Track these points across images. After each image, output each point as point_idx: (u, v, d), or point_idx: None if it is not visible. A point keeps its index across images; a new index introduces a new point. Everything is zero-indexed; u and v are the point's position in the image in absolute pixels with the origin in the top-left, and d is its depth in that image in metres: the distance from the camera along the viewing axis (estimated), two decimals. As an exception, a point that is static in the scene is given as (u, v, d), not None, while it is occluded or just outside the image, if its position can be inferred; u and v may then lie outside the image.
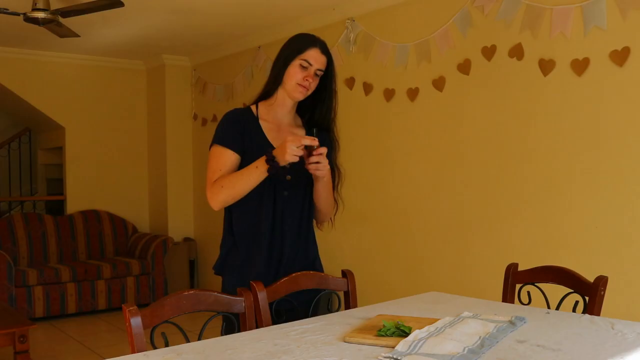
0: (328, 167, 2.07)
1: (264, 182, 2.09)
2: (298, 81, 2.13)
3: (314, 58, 2.14)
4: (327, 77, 2.20)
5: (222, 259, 2.23)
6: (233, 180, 2.08)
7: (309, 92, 2.18)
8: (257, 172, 2.05)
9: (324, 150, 2.02)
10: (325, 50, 2.17)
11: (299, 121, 2.30)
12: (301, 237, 2.22)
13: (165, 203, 6.86)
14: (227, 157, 2.13)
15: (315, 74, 2.15)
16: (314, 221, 2.33)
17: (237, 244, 2.19)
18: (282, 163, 2.01)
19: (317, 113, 2.25)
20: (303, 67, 2.13)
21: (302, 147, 1.98)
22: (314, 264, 2.28)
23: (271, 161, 2.01)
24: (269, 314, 1.93)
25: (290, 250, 2.19)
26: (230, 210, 2.21)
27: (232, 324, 1.86)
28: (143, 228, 7.09)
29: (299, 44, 2.16)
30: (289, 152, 1.97)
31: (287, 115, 2.24)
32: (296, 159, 1.99)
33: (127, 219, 6.87)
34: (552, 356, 1.46)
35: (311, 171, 2.05)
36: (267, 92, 2.23)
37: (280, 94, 2.20)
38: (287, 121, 2.25)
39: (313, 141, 1.98)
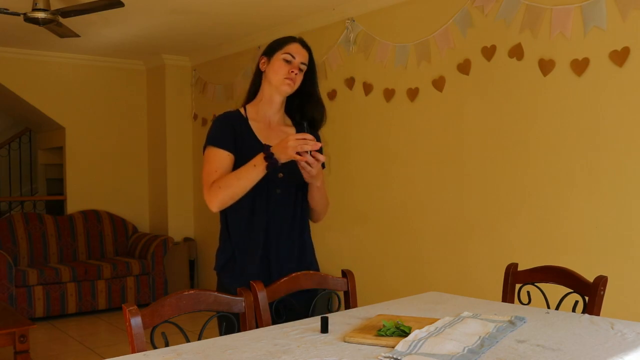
0: (320, 166, 2.06)
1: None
2: (284, 75, 2.16)
3: (296, 51, 2.18)
4: (310, 72, 2.24)
5: (222, 259, 2.24)
6: (231, 180, 2.08)
7: (296, 86, 2.20)
8: (255, 170, 2.04)
9: (319, 149, 2.02)
10: (305, 45, 2.23)
11: (289, 121, 2.31)
12: (295, 237, 2.22)
13: (165, 203, 6.86)
14: (223, 157, 2.14)
15: (300, 68, 2.19)
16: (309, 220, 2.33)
17: (233, 243, 2.20)
18: (284, 159, 2.00)
19: (307, 111, 2.28)
20: (287, 61, 2.17)
21: (305, 143, 1.97)
22: (310, 268, 2.27)
23: (269, 158, 2.01)
24: (269, 314, 1.93)
25: (285, 251, 2.19)
26: (225, 211, 2.20)
27: (232, 324, 1.87)
28: (143, 228, 7.09)
29: (278, 42, 2.23)
30: (292, 145, 1.96)
31: (277, 113, 2.25)
32: (296, 157, 1.98)
33: (127, 219, 6.87)
34: (552, 356, 1.46)
35: (303, 169, 2.03)
36: (253, 92, 2.27)
37: (267, 91, 2.22)
38: (277, 120, 2.26)
39: (309, 137, 1.97)
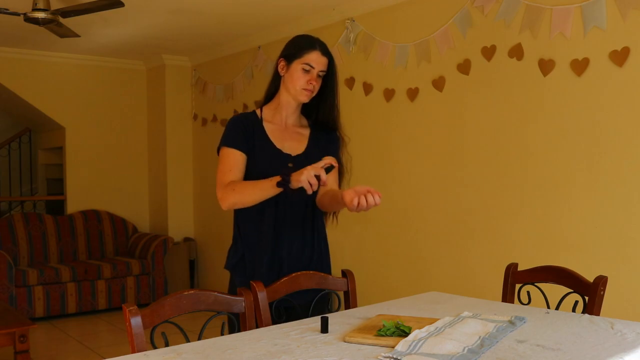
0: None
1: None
2: (302, 86, 2.17)
3: (315, 61, 2.17)
4: (329, 76, 2.23)
5: (233, 258, 2.25)
6: (246, 188, 2.11)
7: (314, 94, 2.21)
8: (269, 183, 2.06)
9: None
10: (325, 52, 2.20)
11: (305, 122, 2.33)
12: (306, 237, 2.24)
13: (165, 203, 6.86)
14: (236, 157, 2.17)
15: (318, 76, 2.19)
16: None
17: (244, 244, 2.21)
18: (295, 185, 2.00)
19: (321, 113, 2.29)
20: (305, 71, 2.16)
21: (318, 174, 1.98)
22: (317, 268, 2.26)
23: (284, 179, 2.02)
24: (269, 314, 1.93)
25: (296, 252, 2.20)
26: (237, 211, 2.24)
27: (233, 324, 1.87)
28: (143, 228, 7.09)
29: (298, 47, 2.19)
30: (306, 174, 1.96)
31: (292, 115, 2.28)
32: (308, 186, 1.97)
33: (127, 219, 6.87)
34: (552, 356, 1.46)
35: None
36: (271, 94, 2.28)
37: (284, 96, 2.24)
38: (292, 121, 2.28)
39: (323, 177, 1.98)
